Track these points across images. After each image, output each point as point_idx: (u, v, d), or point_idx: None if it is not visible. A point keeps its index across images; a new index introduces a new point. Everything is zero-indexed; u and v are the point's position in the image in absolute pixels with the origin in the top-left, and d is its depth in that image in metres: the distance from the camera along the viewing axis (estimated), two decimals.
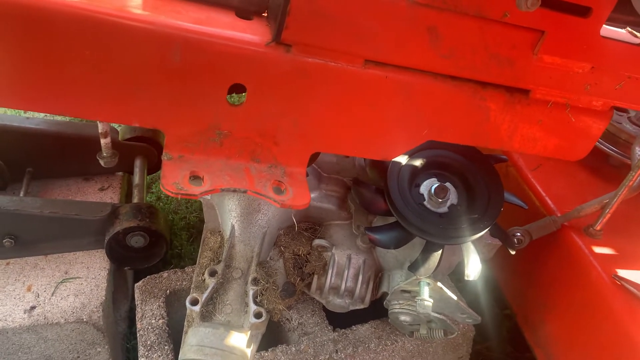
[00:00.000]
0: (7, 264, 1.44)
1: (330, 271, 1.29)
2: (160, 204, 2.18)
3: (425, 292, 1.16)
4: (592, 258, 1.27)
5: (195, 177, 0.88)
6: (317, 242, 1.30)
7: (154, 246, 1.53)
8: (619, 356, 1.16)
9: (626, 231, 1.38)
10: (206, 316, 1.14)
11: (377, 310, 1.37)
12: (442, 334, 1.28)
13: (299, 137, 0.94)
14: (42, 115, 2.18)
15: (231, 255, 1.22)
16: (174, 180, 0.85)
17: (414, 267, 1.14)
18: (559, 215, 1.38)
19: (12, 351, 1.35)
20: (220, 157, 0.92)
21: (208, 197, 1.25)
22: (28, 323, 1.31)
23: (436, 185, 1.19)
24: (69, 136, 1.65)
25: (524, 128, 1.02)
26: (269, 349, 1.28)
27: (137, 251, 1.51)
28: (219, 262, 1.21)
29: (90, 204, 1.56)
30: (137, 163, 1.76)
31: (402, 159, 1.20)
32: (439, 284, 1.18)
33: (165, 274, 1.45)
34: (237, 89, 0.88)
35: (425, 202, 1.20)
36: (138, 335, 1.30)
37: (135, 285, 1.42)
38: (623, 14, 0.88)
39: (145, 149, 1.78)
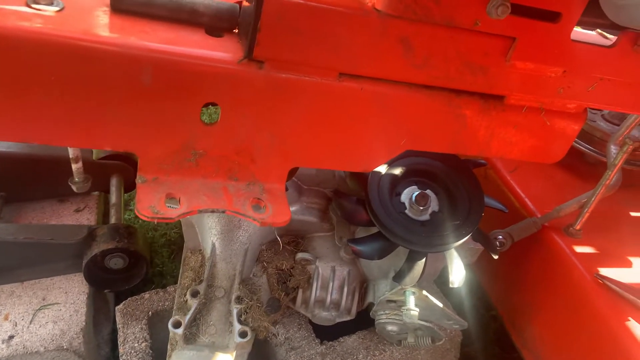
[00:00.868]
0: None
1: (314, 284, 1.28)
2: (140, 221, 2.14)
3: (411, 301, 1.16)
4: (573, 258, 1.28)
5: (171, 199, 0.86)
6: (300, 255, 1.29)
7: (134, 267, 1.50)
8: (604, 354, 1.17)
9: (605, 229, 1.39)
10: (190, 338, 1.12)
11: (363, 320, 1.36)
12: (430, 341, 1.28)
13: (277, 153, 0.93)
14: None
15: (213, 274, 1.20)
16: (150, 204, 0.83)
17: (398, 277, 1.14)
18: (539, 216, 1.39)
19: None
20: (196, 177, 0.90)
21: None
22: (7, 353, 1.27)
23: (417, 192, 1.19)
24: (42, 158, 1.61)
25: (500, 133, 1.02)
26: None
27: (117, 273, 1.48)
28: (201, 281, 1.19)
29: (65, 227, 1.53)
30: (114, 182, 1.73)
31: (382, 168, 1.19)
32: (424, 292, 1.18)
33: (146, 295, 1.42)
34: (211, 107, 0.86)
35: (406, 211, 1.19)
36: None
37: (116, 308, 1.38)
38: (592, 17, 0.88)
39: (121, 167, 1.74)
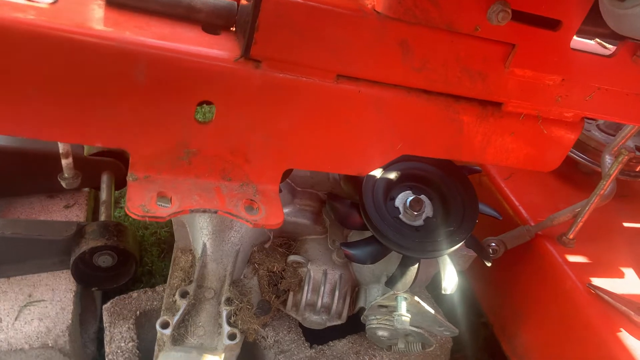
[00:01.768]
0: None
1: (306, 287, 1.27)
2: (130, 219, 2.11)
3: (403, 307, 1.15)
4: (566, 267, 1.27)
5: (162, 198, 0.85)
6: (292, 258, 1.27)
7: (122, 265, 1.47)
8: None
9: (598, 239, 1.39)
10: (178, 339, 1.10)
11: (353, 324, 1.35)
12: (420, 347, 1.27)
13: (271, 154, 0.92)
14: None
15: (203, 274, 1.18)
16: (141, 203, 0.82)
17: (391, 283, 1.13)
18: (532, 224, 1.38)
19: None
20: (189, 176, 0.89)
21: None
22: None
23: (411, 198, 1.18)
24: (31, 152, 1.58)
25: (497, 140, 1.01)
26: None
27: (105, 271, 1.45)
28: (191, 282, 1.18)
29: (54, 223, 1.50)
30: (104, 179, 1.70)
31: (377, 172, 1.18)
32: (416, 298, 1.17)
33: (134, 294, 1.40)
34: (206, 105, 0.85)
35: (400, 216, 1.18)
36: (107, 359, 1.25)
37: (103, 307, 1.36)
38: (592, 26, 0.88)
39: (112, 163, 1.72)
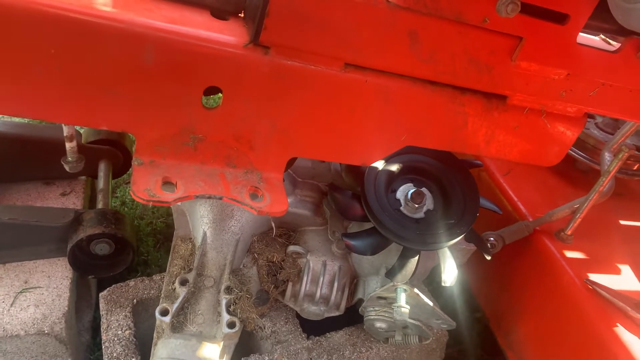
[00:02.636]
0: None
1: (305, 278, 1.27)
2: (125, 209, 2.10)
3: (402, 298, 1.15)
4: (563, 262, 1.28)
5: (167, 183, 0.84)
6: (291, 248, 1.27)
7: (119, 253, 1.47)
8: (591, 359, 1.18)
9: (595, 236, 1.40)
10: (177, 327, 1.10)
11: (350, 317, 1.35)
12: (417, 339, 1.27)
13: (276, 142, 0.91)
14: None
15: (203, 263, 1.18)
16: (146, 187, 0.81)
17: (391, 274, 1.13)
18: (530, 220, 1.39)
19: None
20: (194, 162, 0.88)
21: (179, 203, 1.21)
22: None
23: (412, 190, 1.18)
24: (29, 139, 1.57)
25: (500, 134, 1.02)
26: (242, 359, 1.25)
27: (102, 259, 1.45)
28: (190, 270, 1.17)
29: (51, 210, 1.49)
30: (102, 167, 1.69)
31: (379, 164, 1.19)
32: (416, 290, 1.17)
33: (131, 283, 1.39)
34: (213, 91, 0.84)
35: (401, 208, 1.18)
36: (103, 347, 1.24)
37: (100, 294, 1.35)
38: (599, 21, 0.88)
39: (110, 152, 1.71)
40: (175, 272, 1.19)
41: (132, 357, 1.23)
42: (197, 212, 1.20)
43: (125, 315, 1.31)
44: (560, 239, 1.33)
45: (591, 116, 1.65)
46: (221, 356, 1.08)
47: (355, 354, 1.32)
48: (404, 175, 1.22)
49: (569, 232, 1.32)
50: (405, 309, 1.13)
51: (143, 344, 1.28)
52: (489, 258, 1.25)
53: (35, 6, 0.70)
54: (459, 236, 1.14)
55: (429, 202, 1.20)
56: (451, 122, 0.97)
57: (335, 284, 1.28)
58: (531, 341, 1.35)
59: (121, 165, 1.78)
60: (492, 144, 1.03)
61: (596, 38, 1.03)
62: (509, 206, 1.46)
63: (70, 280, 1.40)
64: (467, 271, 1.55)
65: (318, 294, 1.27)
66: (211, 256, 1.18)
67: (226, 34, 0.80)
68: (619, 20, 0.79)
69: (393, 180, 1.21)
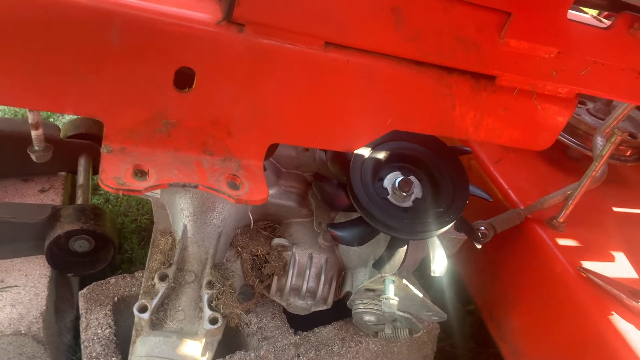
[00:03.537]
0: None
1: (290, 271, 1.23)
2: (109, 206, 2.05)
3: (391, 290, 1.11)
4: (556, 250, 1.25)
5: (139, 172, 0.80)
6: (276, 241, 1.23)
7: (100, 250, 1.42)
8: (585, 348, 1.15)
9: (588, 223, 1.37)
10: (156, 324, 1.05)
11: (339, 311, 1.31)
12: (408, 333, 1.23)
13: (255, 127, 0.87)
14: None
15: (184, 257, 1.13)
16: (115, 175, 0.76)
17: (378, 265, 1.09)
18: (522, 207, 1.36)
19: None
20: (167, 149, 0.84)
21: (157, 195, 1.17)
22: None
23: (400, 178, 1.14)
24: (5, 134, 1.51)
25: (490, 117, 0.98)
26: (227, 356, 1.20)
27: (82, 256, 1.40)
28: (170, 265, 1.13)
29: (28, 206, 1.44)
30: (81, 162, 1.64)
31: (365, 152, 1.15)
32: (405, 281, 1.13)
33: (112, 280, 1.34)
34: (185, 73, 0.80)
35: (389, 197, 1.15)
36: (82, 347, 1.20)
37: (80, 292, 1.30)
38: None
39: (90, 146, 1.66)
40: (154, 268, 1.14)
41: (113, 357, 1.18)
42: (177, 204, 1.16)
43: (106, 314, 1.26)
44: (552, 227, 1.30)
45: (582, 102, 1.62)
46: (203, 353, 1.04)
47: (344, 348, 1.28)
48: (392, 163, 1.18)
49: (561, 219, 1.29)
50: (394, 300, 1.09)
51: (125, 342, 1.23)
52: (479, 247, 1.21)
53: None
54: (448, 224, 1.10)
55: (417, 191, 1.16)
56: (438, 104, 0.93)
57: (322, 277, 1.24)
58: (524, 332, 1.31)
59: None
60: (481, 127, 0.99)
61: (587, 15, 0.99)
62: (500, 194, 1.42)
63: (48, 279, 1.35)
64: (458, 261, 1.52)
65: (304, 288, 1.23)
66: (192, 250, 1.14)
67: (198, 11, 0.76)
68: None
69: (380, 169, 1.17)
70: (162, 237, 1.20)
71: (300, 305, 1.26)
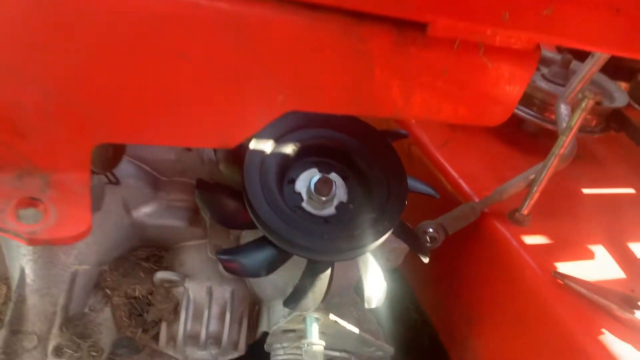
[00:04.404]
0: None
1: (183, 314, 0.92)
2: None
3: (314, 331, 0.82)
4: (522, 251, 0.99)
5: None
6: (160, 275, 0.92)
7: None
8: None
9: (557, 211, 1.12)
10: None
11: (258, 355, 1.01)
12: None
13: (62, 120, 0.55)
14: None
15: (20, 314, 0.81)
16: None
17: (291, 302, 0.79)
18: (477, 200, 1.09)
19: None
20: None
21: None
22: None
23: (317, 177, 0.85)
24: None
25: (424, 83, 0.70)
26: None
27: None
28: (1, 326, 0.79)
29: None
30: None
31: (265, 146, 0.85)
32: (332, 316, 0.85)
33: None
34: None
35: (303, 204, 0.86)
36: None
37: None
38: None
39: None
40: None
41: None
42: (12, 241, 0.83)
43: None
44: (515, 221, 1.04)
45: (550, 44, 1.38)
46: None
47: None
48: (305, 158, 0.89)
49: (525, 211, 1.03)
50: (318, 346, 0.80)
51: None
52: (426, 260, 0.94)
53: None
54: (383, 235, 0.82)
55: (340, 192, 0.87)
56: (348, 68, 0.64)
57: (228, 316, 0.93)
58: (490, 355, 1.05)
59: None
60: (414, 99, 0.71)
61: None
62: (449, 185, 1.15)
63: None
64: (406, 272, 1.25)
65: (204, 334, 0.92)
66: (32, 303, 0.81)
67: None
68: None
69: (289, 167, 0.88)
70: None
71: (203, 357, 0.95)
